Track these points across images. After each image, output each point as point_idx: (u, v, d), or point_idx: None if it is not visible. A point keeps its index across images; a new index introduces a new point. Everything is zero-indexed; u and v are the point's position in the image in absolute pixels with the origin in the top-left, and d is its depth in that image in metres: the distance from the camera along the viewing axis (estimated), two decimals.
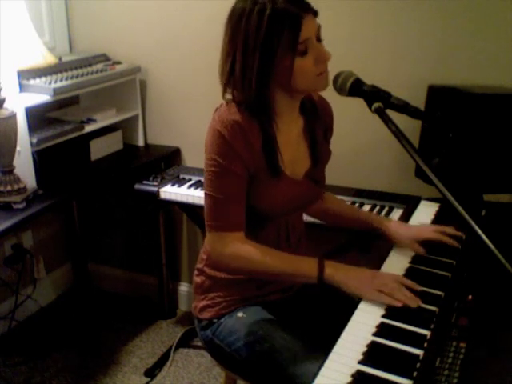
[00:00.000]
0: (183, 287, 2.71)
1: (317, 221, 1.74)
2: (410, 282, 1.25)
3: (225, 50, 1.27)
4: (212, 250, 1.36)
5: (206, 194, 1.32)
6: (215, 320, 1.44)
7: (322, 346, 1.13)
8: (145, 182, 2.22)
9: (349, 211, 1.64)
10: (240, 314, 1.41)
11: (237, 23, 1.23)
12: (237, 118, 1.26)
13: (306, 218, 1.62)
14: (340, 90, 1.27)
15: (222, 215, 1.30)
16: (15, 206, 1.84)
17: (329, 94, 1.39)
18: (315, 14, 1.25)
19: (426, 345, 1.07)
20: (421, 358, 1.04)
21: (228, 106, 1.30)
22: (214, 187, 1.29)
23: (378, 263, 1.39)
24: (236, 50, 1.23)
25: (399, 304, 1.19)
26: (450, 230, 1.46)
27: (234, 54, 1.24)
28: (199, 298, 1.49)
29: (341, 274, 1.27)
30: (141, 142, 2.50)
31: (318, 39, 1.26)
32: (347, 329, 1.14)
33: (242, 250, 1.31)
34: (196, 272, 1.52)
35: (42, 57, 1.93)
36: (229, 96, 1.32)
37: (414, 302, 1.19)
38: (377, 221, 1.55)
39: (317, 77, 1.26)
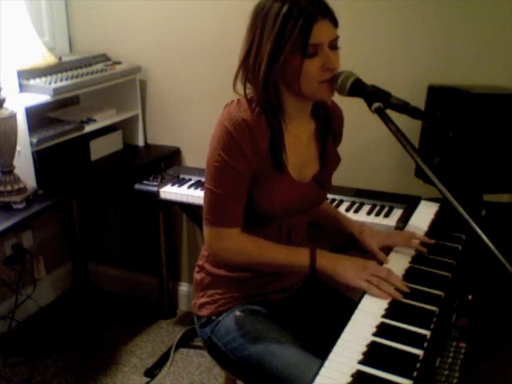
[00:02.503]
0: (183, 287, 2.71)
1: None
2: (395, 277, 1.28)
3: (246, 37, 1.29)
4: (209, 244, 1.37)
5: (206, 188, 1.32)
6: (214, 317, 1.44)
7: (322, 346, 1.13)
8: (145, 181, 2.22)
9: (328, 210, 1.65)
10: (238, 313, 1.41)
11: (259, 14, 1.26)
12: (246, 116, 1.27)
13: None
14: (340, 89, 1.27)
15: (221, 211, 1.31)
16: (15, 206, 1.84)
17: None
18: (335, 22, 1.25)
19: (426, 345, 1.07)
20: (421, 358, 1.04)
21: (238, 104, 1.30)
22: (216, 182, 1.29)
23: (377, 263, 1.39)
24: (254, 38, 1.26)
25: (385, 296, 1.23)
26: (420, 236, 1.48)
27: (251, 41, 1.27)
28: (198, 294, 1.49)
29: (332, 262, 1.32)
30: (141, 142, 2.50)
31: (333, 47, 1.25)
32: (347, 329, 1.14)
33: (239, 244, 1.34)
34: (196, 269, 1.52)
35: (42, 57, 1.93)
36: (240, 89, 1.32)
37: (399, 295, 1.23)
38: (349, 225, 1.57)
39: (319, 84, 1.26)
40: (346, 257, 1.35)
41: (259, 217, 1.37)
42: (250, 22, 1.28)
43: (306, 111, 1.38)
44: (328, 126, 1.44)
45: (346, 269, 1.30)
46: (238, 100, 1.32)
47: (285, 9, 1.21)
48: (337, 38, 1.26)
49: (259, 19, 1.25)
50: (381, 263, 1.40)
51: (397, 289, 1.25)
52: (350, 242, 1.59)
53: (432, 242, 1.46)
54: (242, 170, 1.28)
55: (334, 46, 1.25)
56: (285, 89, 1.30)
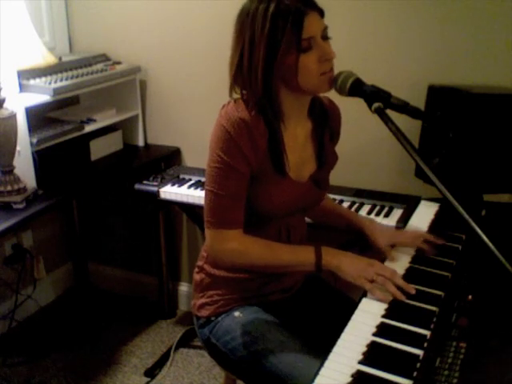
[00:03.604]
0: (183, 287, 2.71)
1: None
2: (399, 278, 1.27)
3: (233, 46, 1.29)
4: (210, 246, 1.36)
5: (206, 189, 1.32)
6: (213, 318, 1.44)
7: (322, 346, 1.13)
8: (145, 181, 2.22)
9: (335, 208, 1.65)
10: (237, 314, 1.41)
11: (244, 20, 1.25)
12: (244, 115, 1.26)
13: None
14: (340, 90, 1.27)
15: (222, 212, 1.31)
16: (15, 206, 1.84)
17: (329, 94, 1.39)
18: (321, 13, 1.26)
19: (426, 345, 1.07)
20: (421, 358, 1.04)
21: (236, 104, 1.30)
22: (216, 184, 1.29)
23: (381, 261, 1.39)
24: (244, 45, 1.25)
25: (385, 300, 1.21)
26: (429, 236, 1.47)
27: (241, 49, 1.26)
28: (198, 295, 1.49)
29: (337, 259, 1.31)
30: (141, 142, 2.50)
31: (325, 38, 1.26)
32: (347, 329, 1.14)
33: (241, 245, 1.33)
34: (196, 269, 1.52)
35: (42, 57, 1.93)
36: (236, 95, 1.32)
37: (401, 295, 1.22)
38: (359, 221, 1.57)
39: (320, 76, 1.26)
40: (352, 254, 1.34)
41: (259, 217, 1.37)
42: (236, 29, 1.27)
43: (303, 110, 1.38)
44: (325, 125, 1.44)
45: (351, 266, 1.29)
46: (235, 100, 1.31)
47: (272, 8, 1.20)
48: (326, 27, 1.26)
49: (246, 24, 1.24)
50: (384, 260, 1.40)
51: (401, 290, 1.24)
52: (350, 241, 1.59)
53: (441, 242, 1.44)
54: (241, 170, 1.28)
55: (325, 36, 1.26)
56: (283, 88, 1.30)
